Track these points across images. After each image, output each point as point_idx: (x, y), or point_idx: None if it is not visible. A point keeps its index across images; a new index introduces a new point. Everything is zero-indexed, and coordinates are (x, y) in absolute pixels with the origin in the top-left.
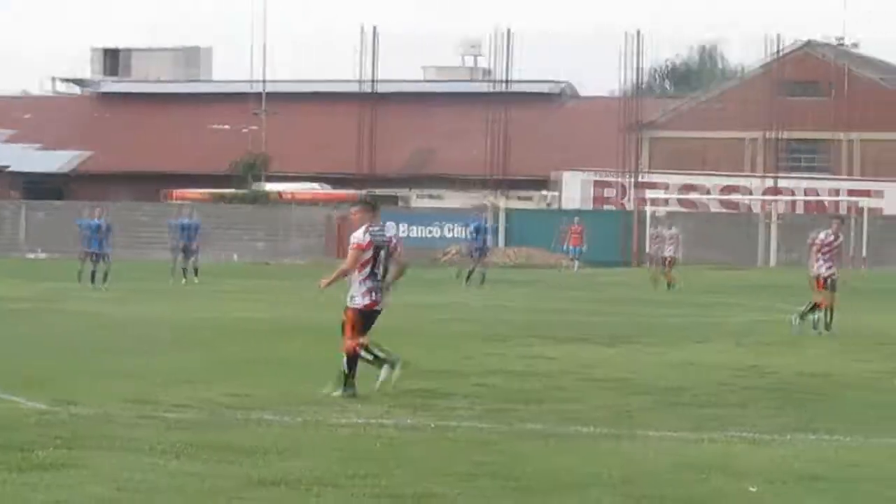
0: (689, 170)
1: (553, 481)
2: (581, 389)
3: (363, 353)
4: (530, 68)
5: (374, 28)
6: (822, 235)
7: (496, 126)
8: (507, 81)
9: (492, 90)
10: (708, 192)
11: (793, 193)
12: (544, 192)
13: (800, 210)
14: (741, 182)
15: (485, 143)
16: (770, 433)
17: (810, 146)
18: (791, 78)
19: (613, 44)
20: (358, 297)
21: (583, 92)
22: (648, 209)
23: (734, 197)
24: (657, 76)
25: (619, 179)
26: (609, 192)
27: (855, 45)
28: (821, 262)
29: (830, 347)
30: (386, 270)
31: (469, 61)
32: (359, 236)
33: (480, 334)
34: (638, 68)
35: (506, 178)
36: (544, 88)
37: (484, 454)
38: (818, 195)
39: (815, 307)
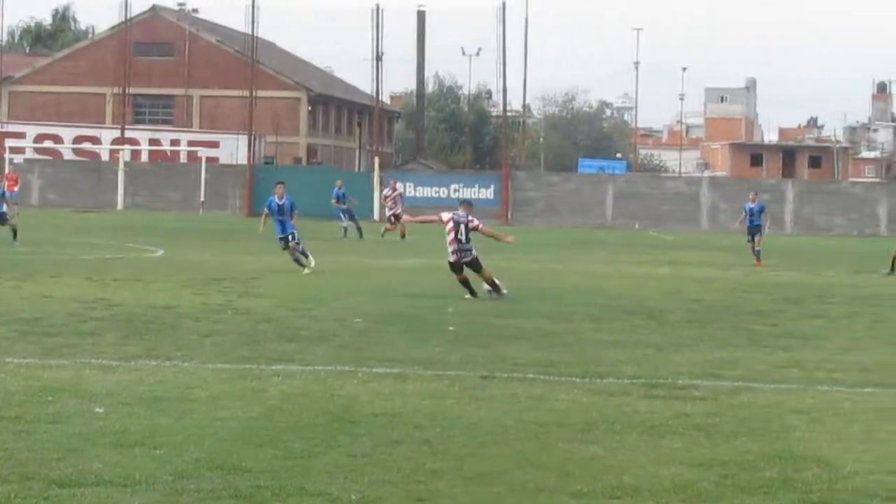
0: (45, 121)
1: None
2: None
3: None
4: None
5: None
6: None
7: None
8: None
9: None
10: (62, 142)
11: (139, 144)
12: None
13: (145, 158)
14: (93, 133)
15: None
16: (117, 360)
17: (156, 101)
18: (140, 39)
19: None
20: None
21: None
22: (7, 156)
23: (85, 146)
24: (15, 35)
25: None
26: None
27: (195, 11)
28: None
29: (174, 282)
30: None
31: None
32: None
33: None
34: None
35: None
36: None
37: None
38: (161, 145)
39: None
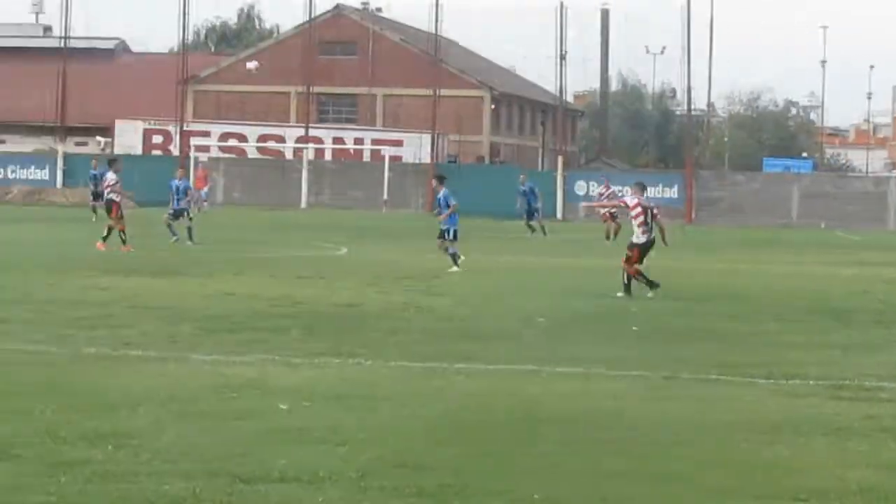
0: (230, 120)
1: (108, 399)
2: (131, 316)
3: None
4: (94, 24)
5: None
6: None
7: (56, 78)
8: (65, 38)
9: (52, 45)
10: (247, 140)
11: (322, 142)
12: (98, 139)
13: (328, 157)
14: (277, 131)
15: (48, 93)
16: (301, 357)
17: (340, 100)
18: (324, 38)
19: (168, 3)
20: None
21: (139, 47)
22: (192, 154)
23: (270, 144)
24: (202, 34)
25: (167, 128)
26: (157, 139)
27: (379, 10)
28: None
29: (357, 280)
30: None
31: (32, 18)
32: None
33: (44, 265)
34: (184, 27)
35: (65, 126)
36: (100, 44)
37: (46, 375)
38: (345, 143)
39: None
